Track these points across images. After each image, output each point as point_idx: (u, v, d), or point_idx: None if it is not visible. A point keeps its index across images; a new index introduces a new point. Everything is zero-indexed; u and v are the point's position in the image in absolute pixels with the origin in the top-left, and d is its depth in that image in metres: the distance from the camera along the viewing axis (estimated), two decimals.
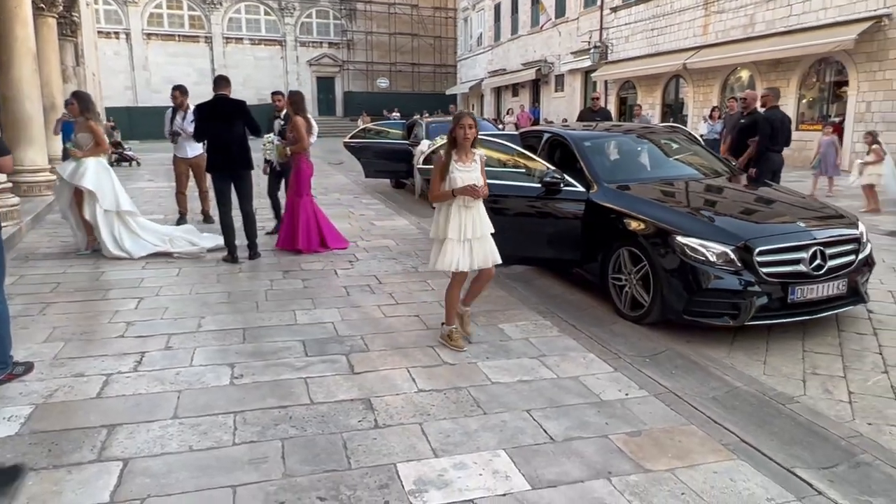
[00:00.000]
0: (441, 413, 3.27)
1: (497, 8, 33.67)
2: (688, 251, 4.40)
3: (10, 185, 8.32)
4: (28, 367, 3.72)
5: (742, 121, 8.34)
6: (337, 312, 4.93)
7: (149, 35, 38.51)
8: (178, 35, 39.30)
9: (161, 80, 37.75)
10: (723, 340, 4.47)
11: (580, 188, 5.42)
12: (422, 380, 3.67)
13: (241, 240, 6.70)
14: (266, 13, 41.16)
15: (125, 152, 19.30)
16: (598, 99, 11.61)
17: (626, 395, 3.52)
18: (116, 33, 37.44)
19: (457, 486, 2.61)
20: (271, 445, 2.92)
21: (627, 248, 4.90)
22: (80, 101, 7.04)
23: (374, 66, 42.57)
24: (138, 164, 19.34)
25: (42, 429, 3.06)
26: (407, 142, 12.32)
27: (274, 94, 8.78)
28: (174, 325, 4.61)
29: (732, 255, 4.32)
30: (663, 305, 4.57)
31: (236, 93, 7.12)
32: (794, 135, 8.17)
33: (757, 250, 4.30)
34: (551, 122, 22.90)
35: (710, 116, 14.99)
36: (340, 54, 42.53)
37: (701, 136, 11.77)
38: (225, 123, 6.49)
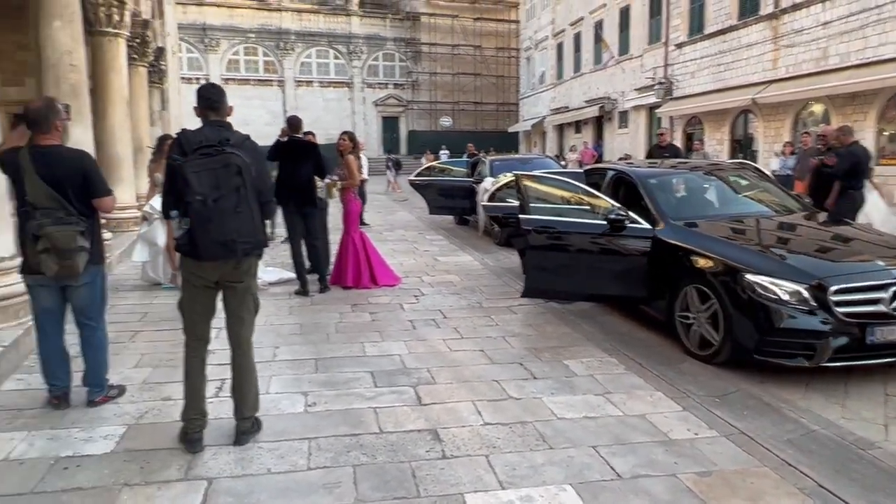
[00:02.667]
0: (507, 446, 3.31)
1: (560, 47, 34.01)
2: (758, 289, 4.33)
3: (104, 221, 8.91)
4: (121, 390, 4.00)
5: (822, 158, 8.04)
6: (404, 345, 5.06)
7: (226, 80, 40.66)
8: (253, 79, 41.51)
9: (237, 121, 37.45)
10: (798, 382, 4.33)
11: (646, 225, 5.41)
12: (488, 413, 3.73)
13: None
14: (335, 57, 42.99)
15: None
16: (664, 135, 11.46)
17: (696, 434, 3.47)
18: (198, 79, 39.70)
19: None
20: (344, 471, 3.04)
21: (695, 285, 4.84)
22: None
23: (438, 105, 43.58)
24: None
25: (134, 447, 3.29)
26: (471, 179, 12.54)
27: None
28: None
29: (806, 294, 4.22)
30: (733, 345, 4.48)
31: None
32: (877, 169, 7.79)
33: (832, 289, 4.18)
34: (628, 157, 22.08)
35: (783, 152, 14.58)
36: (405, 94, 43.80)
37: (773, 171, 11.47)
38: (296, 164, 6.88)
